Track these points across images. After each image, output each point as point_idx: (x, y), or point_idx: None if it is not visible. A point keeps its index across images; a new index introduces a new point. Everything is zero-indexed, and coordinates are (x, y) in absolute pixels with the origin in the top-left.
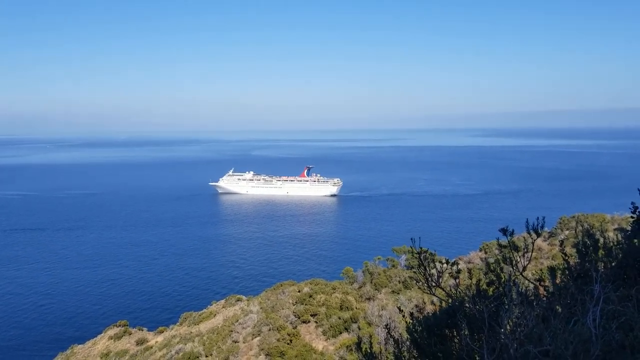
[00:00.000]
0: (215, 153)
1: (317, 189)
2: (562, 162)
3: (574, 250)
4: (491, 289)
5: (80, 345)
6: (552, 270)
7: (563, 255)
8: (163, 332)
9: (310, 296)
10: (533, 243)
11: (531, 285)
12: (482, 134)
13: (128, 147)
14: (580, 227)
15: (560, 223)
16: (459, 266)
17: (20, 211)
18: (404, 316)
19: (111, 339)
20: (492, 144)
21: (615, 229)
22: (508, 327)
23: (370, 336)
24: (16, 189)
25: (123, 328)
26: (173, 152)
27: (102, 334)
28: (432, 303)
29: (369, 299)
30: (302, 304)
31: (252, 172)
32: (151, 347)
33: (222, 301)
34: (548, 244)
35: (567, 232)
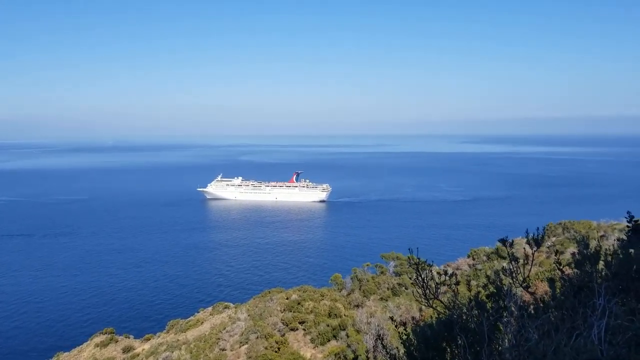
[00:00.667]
0: (203, 158)
1: (306, 195)
2: (548, 169)
3: (567, 258)
4: (490, 301)
5: (66, 353)
6: (551, 281)
7: (558, 266)
8: (150, 339)
9: (299, 303)
10: (533, 254)
11: (531, 298)
12: (470, 141)
13: (115, 153)
14: (567, 235)
15: (547, 230)
16: (457, 278)
17: (5, 216)
18: (396, 326)
19: (97, 346)
20: (480, 150)
21: (601, 236)
22: (508, 341)
23: (358, 343)
24: (1, 194)
25: (109, 335)
26: (161, 157)
27: (88, 342)
28: (423, 313)
29: (357, 306)
30: (291, 311)
31: (240, 178)
32: (138, 355)
33: (210, 308)
34: (535, 251)
35: (554, 239)
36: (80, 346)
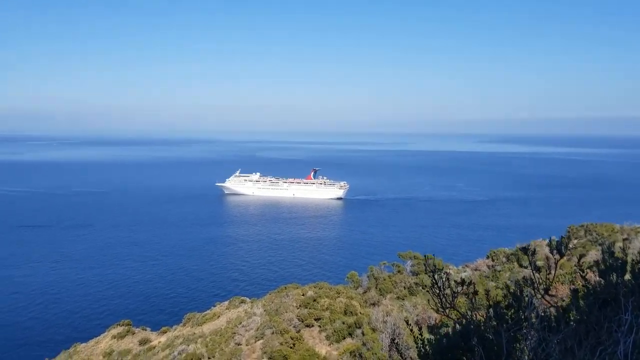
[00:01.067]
0: (221, 154)
1: (323, 192)
2: (568, 170)
3: (589, 262)
4: (510, 311)
5: (83, 344)
6: (574, 292)
7: (581, 274)
8: (166, 332)
9: (314, 300)
10: (556, 264)
11: (551, 303)
12: (488, 140)
13: (135, 146)
14: (590, 237)
15: (568, 232)
16: (475, 286)
17: (24, 208)
18: (411, 330)
19: (114, 338)
20: (498, 150)
21: (625, 239)
22: (527, 356)
23: (374, 342)
24: (22, 185)
25: (126, 327)
26: (179, 152)
27: (106, 333)
28: (440, 315)
29: (373, 304)
30: (306, 307)
31: (258, 174)
32: (154, 347)
33: (226, 303)
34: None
35: (575, 242)
36: (97, 337)
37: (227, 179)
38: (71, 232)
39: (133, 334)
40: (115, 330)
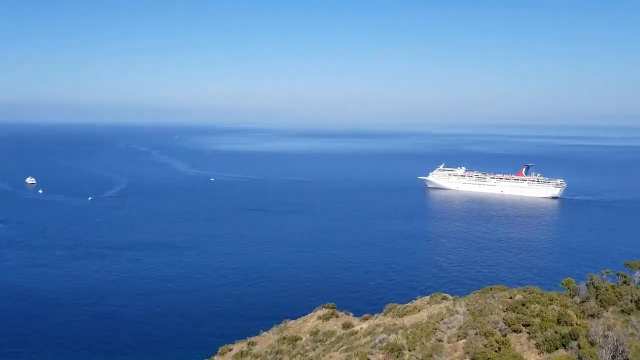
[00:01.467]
0: (425, 147)
1: (536, 190)
2: None
3: None
4: None
5: (292, 321)
6: None
7: None
8: (367, 319)
9: (523, 304)
10: None
11: None
12: None
13: (344, 138)
14: None
15: None
16: None
17: (247, 192)
18: None
19: (320, 319)
20: None
21: None
22: None
23: (591, 357)
24: (243, 172)
25: (331, 310)
26: (385, 144)
27: (312, 313)
28: None
29: (592, 315)
30: (514, 311)
31: (464, 168)
32: (356, 333)
33: (427, 297)
34: None
35: None
36: (305, 317)
37: (430, 173)
38: (284, 217)
39: (337, 317)
40: (320, 312)
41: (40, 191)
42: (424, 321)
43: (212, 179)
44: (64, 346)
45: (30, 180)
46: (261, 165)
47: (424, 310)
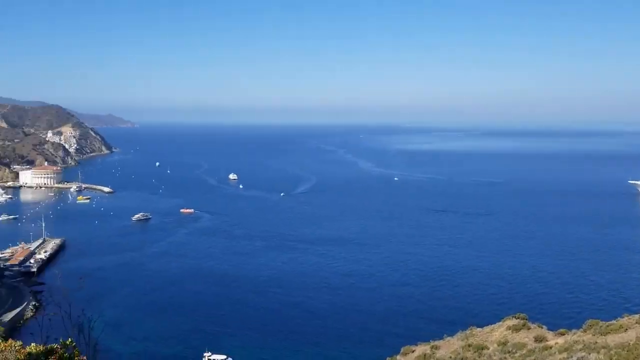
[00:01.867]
0: (636, 147)
1: None
2: None
3: None
4: None
5: (478, 329)
6: None
7: None
8: (564, 334)
9: None
10: None
11: None
12: None
13: (537, 137)
14: None
15: None
16: None
17: (430, 192)
18: None
19: (509, 329)
20: None
21: None
22: None
23: None
24: (429, 172)
25: (522, 321)
26: (588, 144)
27: (501, 323)
28: None
29: None
30: None
31: None
32: (550, 347)
33: (636, 316)
34: None
35: None
36: (492, 325)
37: None
38: (469, 219)
39: (528, 329)
40: (510, 322)
41: (241, 186)
42: (631, 342)
43: (395, 179)
44: (263, 331)
45: (232, 176)
46: (446, 165)
47: (632, 330)
